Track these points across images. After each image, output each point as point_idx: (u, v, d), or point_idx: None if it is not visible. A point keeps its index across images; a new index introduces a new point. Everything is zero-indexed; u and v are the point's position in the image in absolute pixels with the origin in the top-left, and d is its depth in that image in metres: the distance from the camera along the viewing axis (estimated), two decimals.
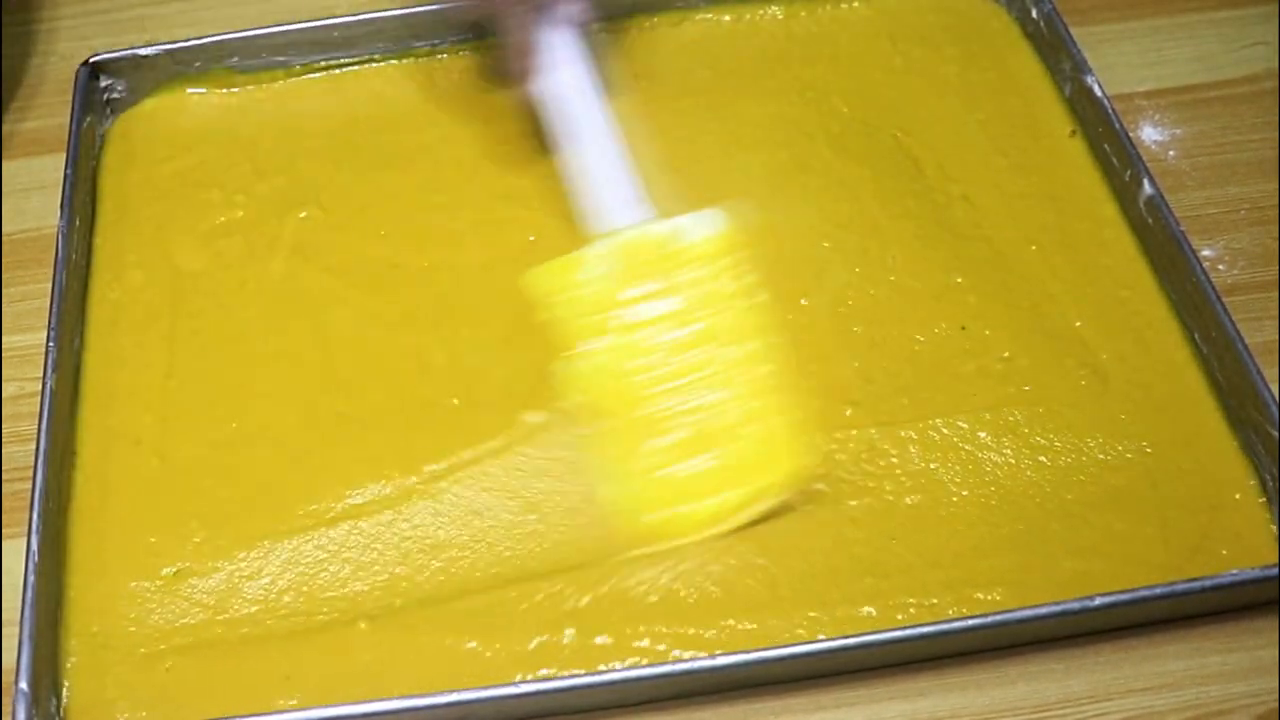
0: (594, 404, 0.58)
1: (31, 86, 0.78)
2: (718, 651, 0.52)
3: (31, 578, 0.54)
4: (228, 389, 0.62)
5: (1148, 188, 0.64)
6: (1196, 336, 0.61)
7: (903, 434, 0.59)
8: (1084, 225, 0.66)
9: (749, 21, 0.76)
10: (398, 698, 0.51)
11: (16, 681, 0.52)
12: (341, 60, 0.75)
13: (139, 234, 0.68)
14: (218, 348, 0.64)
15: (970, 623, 0.52)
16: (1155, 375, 0.61)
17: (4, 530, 0.59)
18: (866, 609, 0.54)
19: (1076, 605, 0.52)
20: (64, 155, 0.69)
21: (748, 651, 0.52)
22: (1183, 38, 0.77)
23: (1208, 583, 0.53)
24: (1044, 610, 0.52)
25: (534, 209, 0.68)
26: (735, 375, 0.58)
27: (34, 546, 0.55)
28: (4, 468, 0.61)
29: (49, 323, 0.62)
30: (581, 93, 0.64)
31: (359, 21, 0.74)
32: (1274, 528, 0.56)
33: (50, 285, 0.63)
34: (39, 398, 0.59)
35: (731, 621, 0.54)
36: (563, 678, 0.52)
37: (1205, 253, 0.67)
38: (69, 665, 0.54)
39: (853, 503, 0.57)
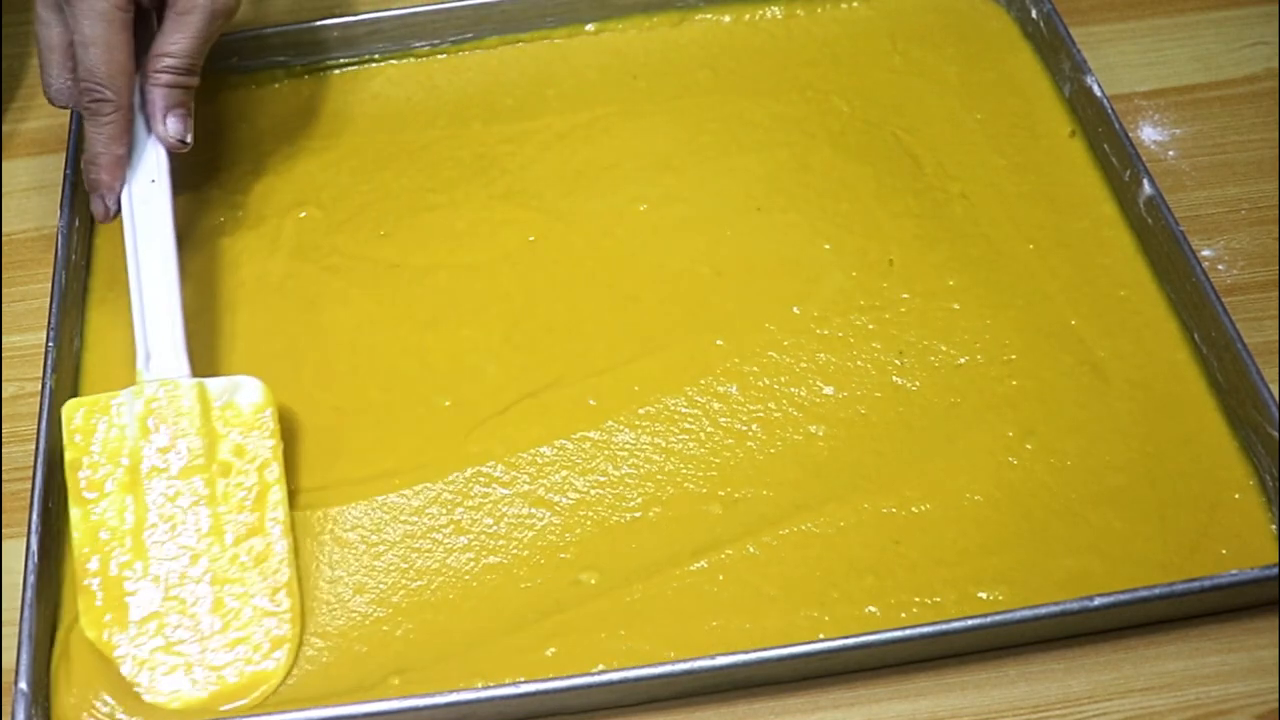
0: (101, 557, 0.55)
1: (31, 86, 0.78)
2: (717, 652, 0.52)
3: (31, 578, 0.54)
4: None
5: (1147, 187, 0.64)
6: (1196, 336, 0.61)
7: (901, 432, 0.59)
8: (1083, 225, 0.66)
9: (749, 22, 0.76)
10: (397, 698, 0.51)
11: (16, 681, 0.52)
12: (342, 60, 0.75)
13: None
14: (217, 347, 0.64)
15: (970, 623, 0.52)
16: (1155, 375, 0.61)
17: (4, 530, 0.59)
18: (869, 608, 0.54)
19: (1076, 605, 0.52)
20: (64, 155, 0.69)
21: (748, 651, 0.52)
22: (1183, 38, 0.77)
23: (1207, 583, 0.53)
24: (1044, 610, 0.52)
25: (533, 209, 0.68)
26: (235, 555, 0.55)
27: (34, 546, 0.55)
28: (4, 468, 0.61)
29: (49, 323, 0.62)
30: (155, 223, 0.61)
31: (359, 21, 0.75)
32: (1274, 528, 0.56)
33: (50, 285, 0.63)
34: (39, 398, 0.59)
35: (733, 621, 0.54)
36: (563, 678, 0.52)
37: (1205, 252, 0.67)
38: (69, 665, 0.54)
39: (860, 505, 0.57)
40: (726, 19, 0.76)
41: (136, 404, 0.57)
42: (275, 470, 0.57)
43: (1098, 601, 0.52)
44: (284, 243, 0.68)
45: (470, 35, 0.76)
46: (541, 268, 0.66)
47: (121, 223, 0.61)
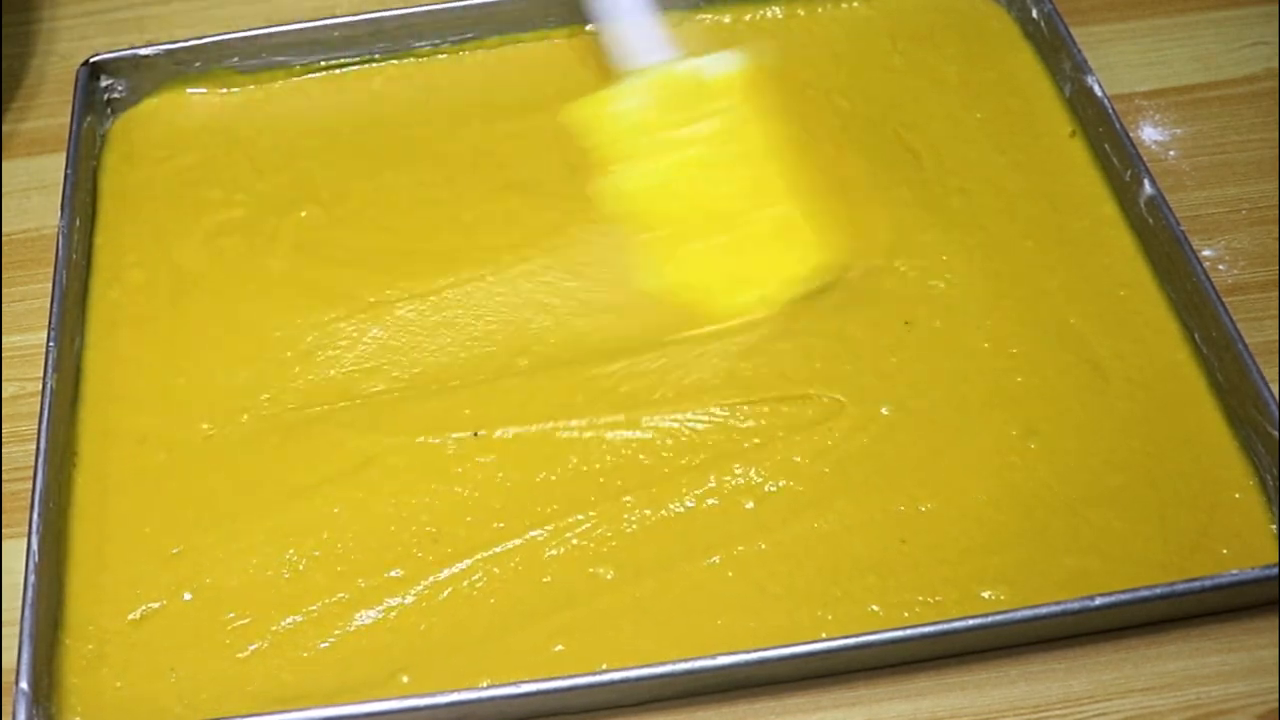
0: (634, 217, 0.65)
1: (31, 86, 0.78)
2: (721, 650, 0.52)
3: (31, 578, 0.54)
4: (229, 388, 0.62)
5: (1148, 187, 0.64)
6: (1196, 336, 0.61)
7: (900, 430, 0.59)
8: (1084, 224, 0.66)
9: (748, 22, 0.77)
10: (397, 698, 0.51)
11: (16, 681, 0.52)
12: (341, 60, 0.75)
13: (139, 234, 0.68)
14: (219, 347, 0.64)
15: (970, 623, 0.52)
16: (1155, 374, 0.61)
17: (4, 530, 0.59)
18: (872, 607, 0.54)
19: (1076, 605, 0.52)
20: (64, 155, 0.69)
21: (749, 651, 0.52)
22: (1183, 38, 0.77)
23: (1207, 582, 0.53)
24: (1044, 610, 0.52)
25: (540, 196, 0.69)
26: (765, 189, 0.65)
27: (34, 546, 0.55)
28: (4, 468, 0.61)
29: (49, 323, 0.62)
30: None
31: (359, 21, 0.74)
32: (1274, 528, 0.56)
33: (50, 285, 0.63)
34: (39, 398, 0.59)
35: (734, 620, 0.54)
36: (563, 678, 0.52)
37: (1205, 253, 0.67)
38: (69, 665, 0.54)
39: (870, 502, 0.57)
40: (726, 19, 0.76)
41: (638, 89, 0.66)
42: (775, 122, 0.66)
43: (1098, 601, 0.52)
44: (284, 241, 0.68)
45: (470, 35, 0.76)
46: (551, 258, 0.66)
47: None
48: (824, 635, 0.53)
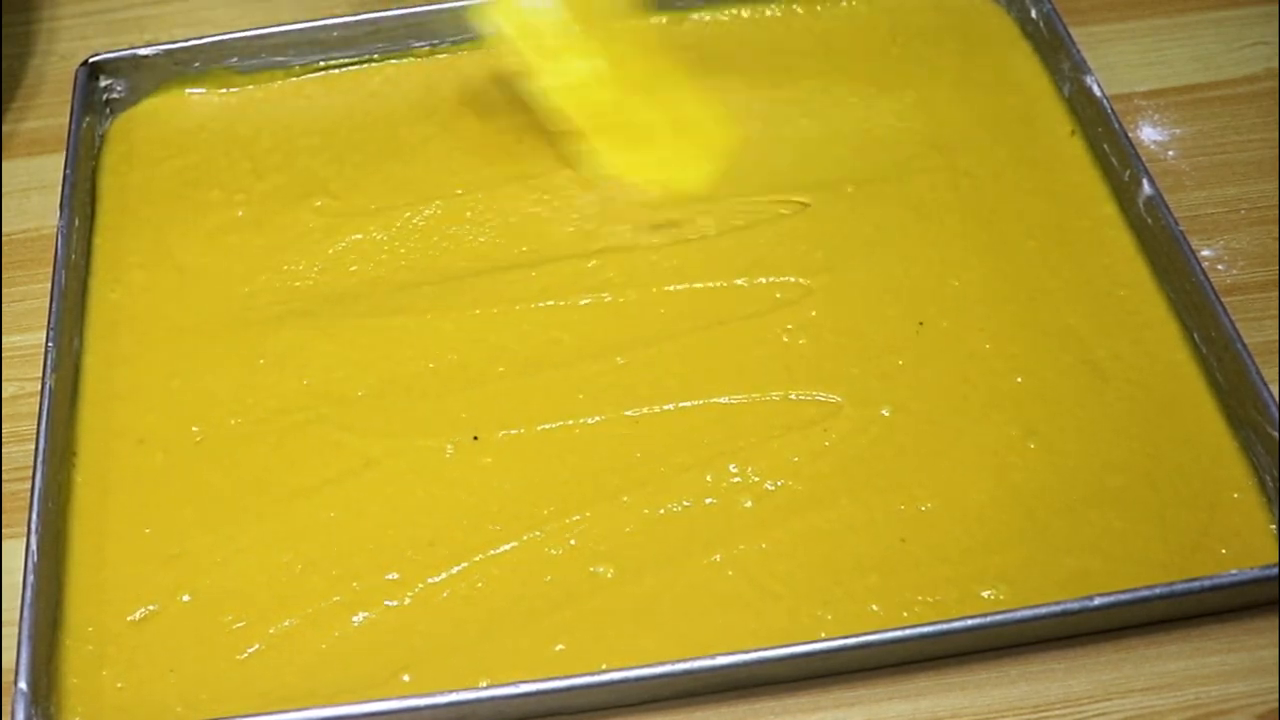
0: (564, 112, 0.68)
1: (31, 86, 0.78)
2: (721, 650, 0.52)
3: (31, 578, 0.54)
4: (228, 389, 0.62)
5: (1147, 187, 0.64)
6: (1196, 336, 0.61)
7: (899, 429, 0.59)
8: (1083, 224, 0.66)
9: (746, 19, 0.76)
10: (397, 698, 0.51)
11: (16, 681, 0.52)
12: (341, 60, 0.76)
13: (139, 234, 0.69)
14: (218, 348, 0.64)
15: (970, 623, 0.52)
16: (1154, 374, 0.61)
17: (4, 530, 0.59)
18: (872, 606, 0.54)
19: (1076, 605, 0.52)
20: (64, 155, 0.69)
21: (748, 651, 0.52)
22: (1183, 38, 0.77)
23: (1207, 582, 0.53)
24: (1044, 610, 0.52)
25: (546, 182, 0.69)
26: None
27: (34, 546, 0.55)
28: (4, 468, 0.61)
29: (49, 323, 0.62)
30: None
31: (359, 21, 0.75)
32: (1274, 528, 0.56)
33: (50, 285, 0.63)
34: (39, 398, 0.59)
35: (734, 619, 0.54)
36: (562, 678, 0.52)
37: (1204, 252, 0.67)
38: (68, 665, 0.54)
39: (872, 501, 0.57)
40: (724, 17, 0.76)
41: None
42: None
43: (1098, 601, 0.52)
44: (287, 237, 0.68)
45: (470, 36, 0.76)
46: (558, 246, 0.67)
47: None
48: (824, 635, 0.53)
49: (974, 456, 0.59)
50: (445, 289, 0.65)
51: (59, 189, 0.67)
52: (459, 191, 0.69)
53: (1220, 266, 0.66)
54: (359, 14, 0.75)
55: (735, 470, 0.58)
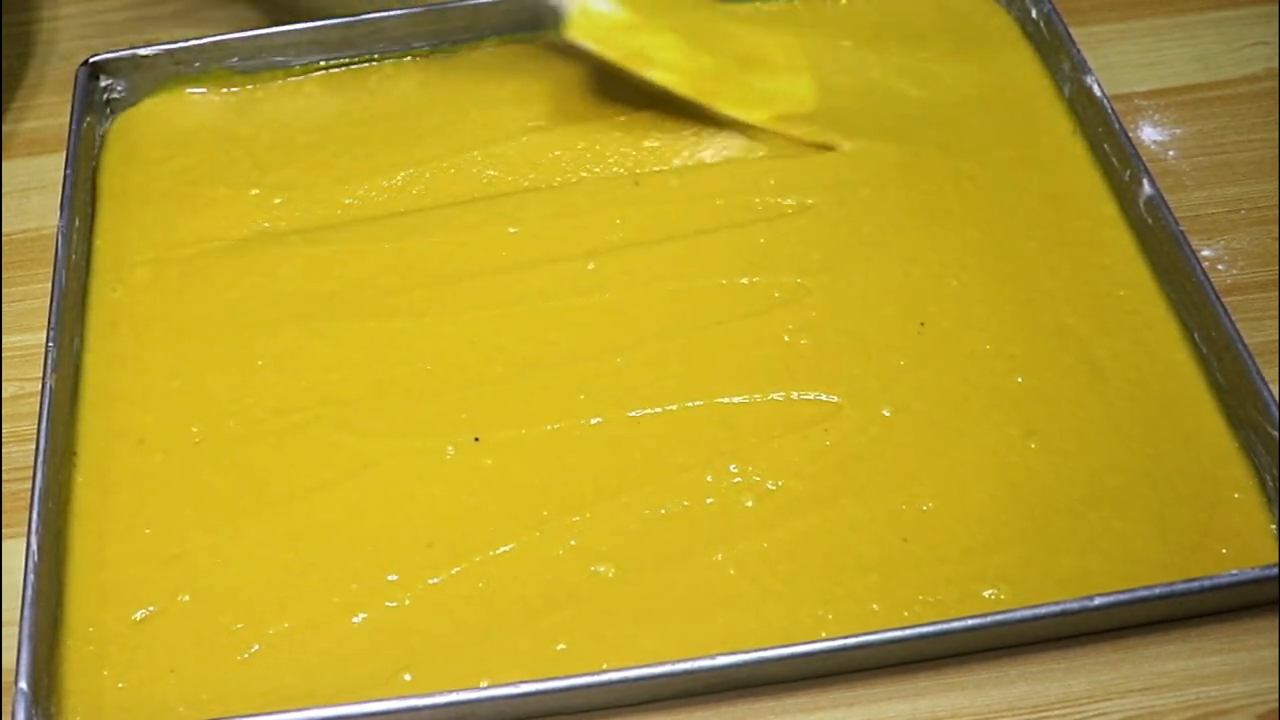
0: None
1: (31, 86, 0.78)
2: (721, 650, 0.52)
3: (31, 578, 0.54)
4: (229, 389, 0.62)
5: (1147, 187, 0.64)
6: (1196, 336, 0.61)
7: (900, 428, 0.59)
8: (1083, 224, 0.66)
9: (743, 18, 0.76)
10: (397, 698, 0.52)
11: (16, 681, 0.52)
12: (341, 60, 0.76)
13: (139, 233, 0.68)
14: (219, 348, 0.64)
15: (970, 623, 0.52)
16: (1154, 374, 0.61)
17: (4, 530, 0.59)
18: (873, 606, 0.54)
19: (1076, 605, 0.52)
20: (64, 155, 0.69)
21: (748, 651, 0.52)
22: (1183, 38, 0.77)
23: (1207, 582, 0.53)
24: (1044, 610, 0.52)
25: (546, 182, 0.69)
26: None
27: (34, 546, 0.55)
28: (4, 468, 0.61)
29: (49, 323, 0.62)
30: None
31: (359, 21, 0.75)
32: (1274, 528, 0.56)
33: (50, 285, 0.63)
34: (39, 398, 0.59)
35: (735, 617, 0.54)
36: (561, 678, 0.52)
37: (1205, 252, 0.67)
38: (69, 665, 0.54)
39: (873, 501, 0.57)
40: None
41: None
42: None
43: (1098, 601, 0.52)
44: (290, 234, 0.68)
45: (470, 36, 0.76)
46: (558, 246, 0.67)
47: None
48: (824, 634, 0.53)
49: (974, 456, 0.59)
50: (445, 290, 0.65)
51: (59, 189, 0.67)
52: (461, 189, 0.70)
53: (1220, 266, 0.66)
54: (359, 14, 0.75)
55: (736, 470, 0.58)
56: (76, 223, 0.67)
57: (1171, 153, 0.71)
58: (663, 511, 0.57)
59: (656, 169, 0.70)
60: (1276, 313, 0.64)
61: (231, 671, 0.54)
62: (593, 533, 0.57)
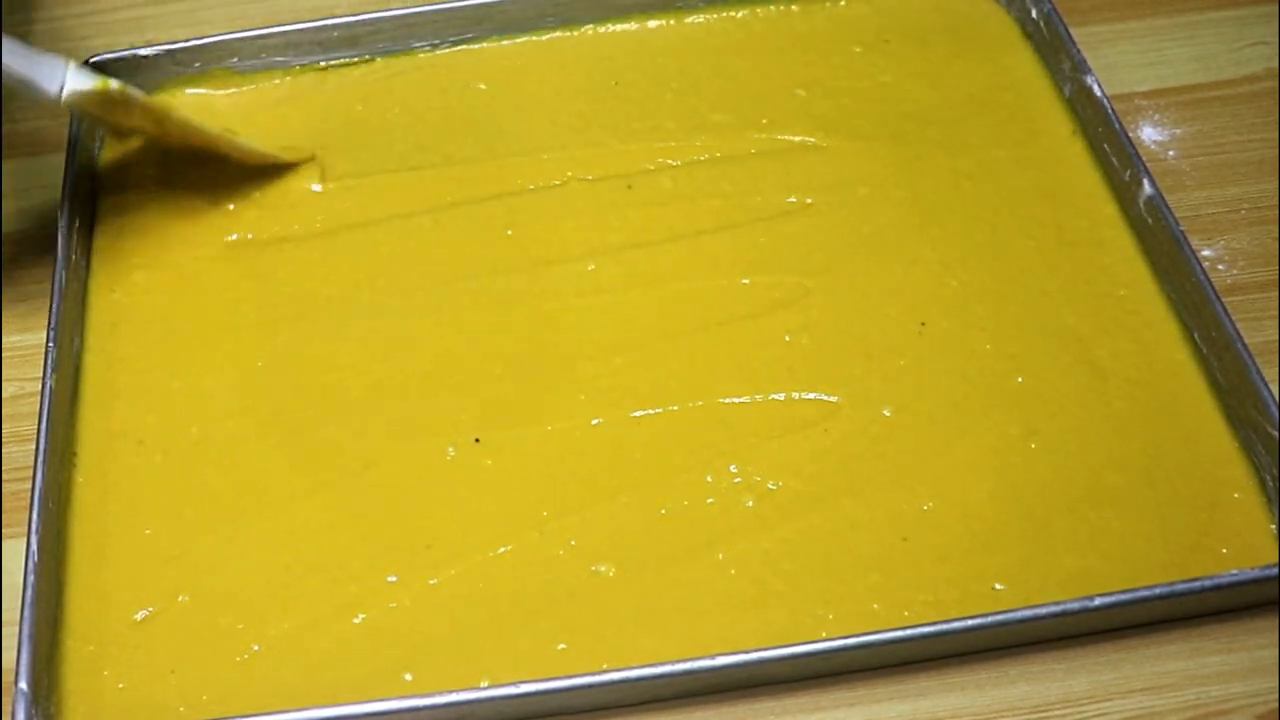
0: None
1: None
2: (722, 650, 0.52)
3: (31, 578, 0.54)
4: (229, 389, 0.62)
5: (1147, 187, 0.64)
6: (1196, 336, 0.61)
7: (900, 428, 0.59)
8: (1083, 224, 0.66)
9: (740, 20, 0.76)
10: (397, 698, 0.52)
11: (16, 681, 0.52)
12: (341, 60, 0.76)
13: (139, 234, 0.68)
14: (219, 348, 0.64)
15: (970, 623, 0.52)
16: (1154, 374, 0.61)
17: (4, 530, 0.59)
18: (873, 605, 0.54)
19: (1076, 605, 0.52)
20: (64, 155, 0.69)
21: (748, 651, 0.52)
22: (1183, 38, 0.77)
23: (1207, 582, 0.53)
24: (1044, 610, 0.52)
25: (545, 182, 0.70)
26: None
27: (34, 546, 0.55)
28: (4, 468, 0.61)
29: (49, 323, 0.62)
30: None
31: (359, 21, 0.75)
32: (1274, 527, 0.56)
33: (50, 285, 0.63)
34: (39, 398, 0.59)
35: (735, 617, 0.54)
36: (561, 678, 0.52)
37: (1205, 252, 0.67)
38: (69, 665, 0.54)
39: (874, 500, 0.57)
40: (716, 18, 0.76)
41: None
42: None
43: (1098, 601, 0.52)
44: (290, 231, 0.68)
45: (470, 35, 0.76)
46: (558, 246, 0.67)
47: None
48: (825, 634, 0.53)
49: (974, 456, 0.59)
50: (445, 290, 0.65)
51: (59, 189, 0.67)
52: (459, 191, 0.70)
53: (1221, 266, 0.66)
54: (360, 14, 0.75)
55: (736, 470, 0.58)
56: (76, 223, 0.67)
57: (1171, 153, 0.71)
58: (663, 511, 0.57)
59: (649, 169, 0.70)
60: (1276, 313, 0.64)
61: (231, 671, 0.54)
62: (593, 533, 0.57)
